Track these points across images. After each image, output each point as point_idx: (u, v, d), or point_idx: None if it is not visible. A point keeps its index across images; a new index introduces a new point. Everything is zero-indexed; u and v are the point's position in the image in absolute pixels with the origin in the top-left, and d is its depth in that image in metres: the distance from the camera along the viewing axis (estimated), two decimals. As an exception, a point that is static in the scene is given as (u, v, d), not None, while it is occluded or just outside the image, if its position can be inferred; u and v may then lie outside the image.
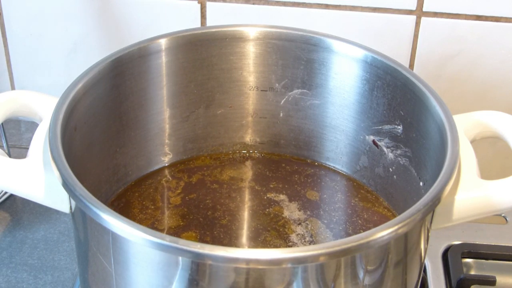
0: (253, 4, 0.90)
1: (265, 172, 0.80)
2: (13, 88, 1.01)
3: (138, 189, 0.77)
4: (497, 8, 0.88)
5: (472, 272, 0.80)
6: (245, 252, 0.54)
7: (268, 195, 0.77)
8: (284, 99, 0.79)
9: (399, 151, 0.73)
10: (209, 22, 0.93)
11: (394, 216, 0.74)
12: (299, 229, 0.73)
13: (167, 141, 0.79)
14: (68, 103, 0.65)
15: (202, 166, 0.80)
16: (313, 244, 0.71)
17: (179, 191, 0.77)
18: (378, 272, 0.58)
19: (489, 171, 0.68)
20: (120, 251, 0.57)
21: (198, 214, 0.74)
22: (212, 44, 0.76)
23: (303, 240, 0.72)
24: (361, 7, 0.89)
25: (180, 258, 0.54)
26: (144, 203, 0.75)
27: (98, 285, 0.62)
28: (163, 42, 0.74)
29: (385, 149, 0.74)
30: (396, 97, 0.72)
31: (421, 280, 0.71)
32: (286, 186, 0.78)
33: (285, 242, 0.71)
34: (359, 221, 0.74)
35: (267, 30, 0.76)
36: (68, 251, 0.82)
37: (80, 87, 0.67)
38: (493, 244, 0.82)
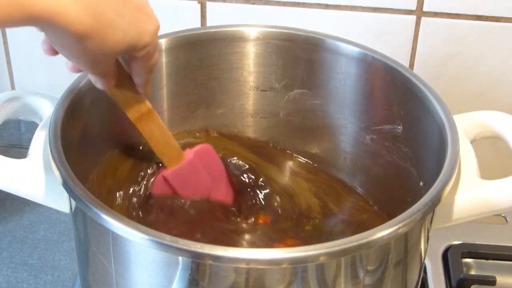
0: (253, 4, 0.90)
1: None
2: (13, 88, 1.01)
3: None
4: (497, 8, 0.88)
5: (472, 272, 0.80)
6: (245, 252, 0.54)
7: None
8: (284, 99, 0.79)
9: (399, 151, 0.73)
10: (209, 22, 0.93)
11: (392, 216, 0.74)
12: (294, 229, 0.73)
13: (167, 141, 0.79)
14: (68, 103, 0.65)
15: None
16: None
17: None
18: (378, 272, 0.58)
19: (489, 171, 0.68)
20: (121, 251, 0.57)
21: (198, 216, 0.74)
22: (212, 44, 0.76)
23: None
24: (361, 7, 0.89)
25: (180, 258, 0.54)
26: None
27: (98, 285, 0.62)
28: (163, 42, 0.74)
29: (385, 149, 0.74)
30: (396, 97, 0.72)
31: (421, 280, 0.71)
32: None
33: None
34: (358, 222, 0.74)
35: (267, 30, 0.76)
36: (68, 251, 0.82)
37: (80, 87, 0.67)
38: (493, 244, 0.82)
